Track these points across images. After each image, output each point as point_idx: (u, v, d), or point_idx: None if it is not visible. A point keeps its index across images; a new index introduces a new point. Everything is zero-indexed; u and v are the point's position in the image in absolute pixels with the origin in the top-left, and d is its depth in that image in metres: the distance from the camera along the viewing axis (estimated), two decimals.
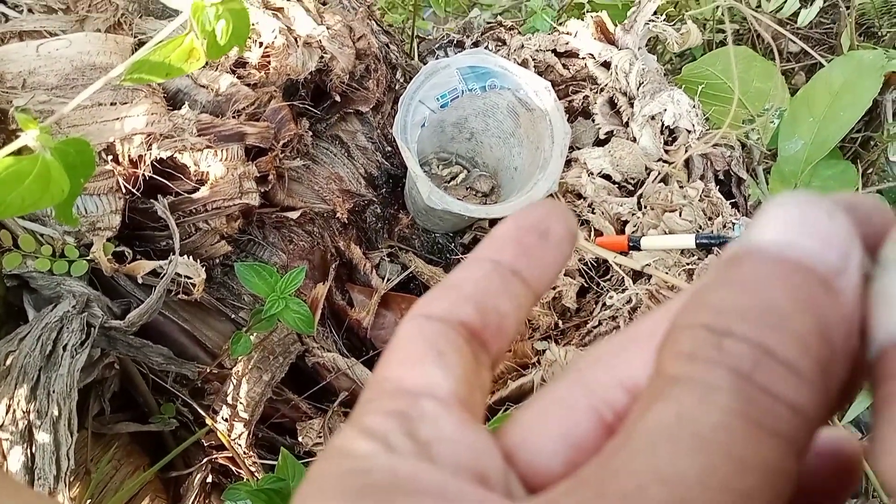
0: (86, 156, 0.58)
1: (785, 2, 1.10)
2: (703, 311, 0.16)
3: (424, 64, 1.01)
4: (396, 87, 0.96)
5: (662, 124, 0.80)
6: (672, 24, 0.94)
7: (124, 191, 0.71)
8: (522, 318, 0.21)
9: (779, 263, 0.16)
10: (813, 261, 0.16)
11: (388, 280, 0.87)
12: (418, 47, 1.03)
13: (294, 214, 0.83)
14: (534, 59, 0.91)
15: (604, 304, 0.73)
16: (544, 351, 0.73)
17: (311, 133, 0.88)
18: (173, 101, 0.77)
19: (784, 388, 0.15)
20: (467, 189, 0.91)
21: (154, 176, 0.71)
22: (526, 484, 0.18)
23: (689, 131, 0.79)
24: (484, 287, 0.20)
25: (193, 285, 0.68)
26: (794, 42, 1.23)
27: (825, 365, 0.15)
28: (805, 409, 0.15)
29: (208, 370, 0.77)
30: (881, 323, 0.16)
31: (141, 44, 0.80)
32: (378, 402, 0.18)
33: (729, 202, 0.78)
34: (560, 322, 0.78)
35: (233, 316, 0.82)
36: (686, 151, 0.77)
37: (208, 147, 0.73)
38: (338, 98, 0.88)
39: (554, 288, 0.77)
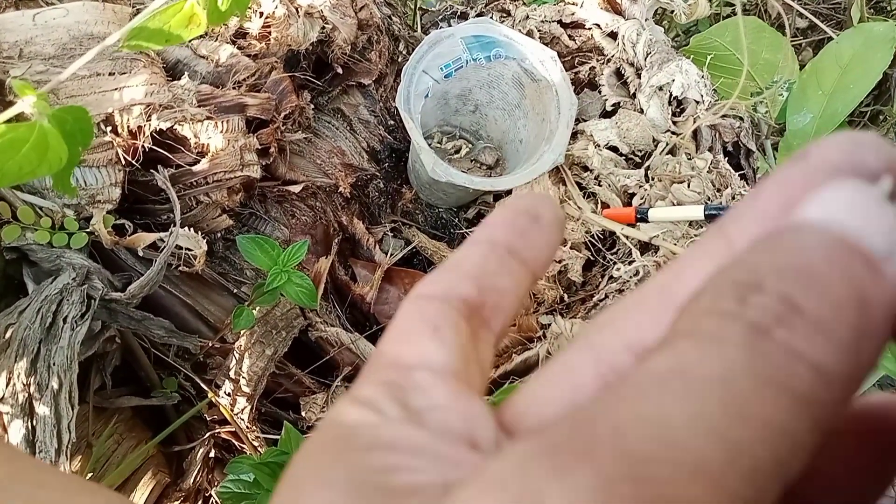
0: (84, 124, 0.56)
1: None
2: (735, 269, 0.15)
3: (427, 35, 1.00)
4: (399, 60, 0.94)
5: (670, 95, 0.78)
6: None
7: (124, 163, 0.70)
8: (521, 296, 0.21)
9: (825, 236, 0.15)
10: (860, 242, 0.15)
11: (392, 255, 0.86)
12: (421, 19, 1.02)
13: (296, 188, 0.82)
14: (539, 30, 0.89)
15: (610, 277, 0.72)
16: (549, 325, 0.73)
17: (312, 106, 0.86)
18: (173, 71, 0.76)
19: (808, 347, 0.13)
20: (472, 161, 0.90)
21: (154, 147, 0.70)
22: None
23: (697, 102, 0.77)
24: (482, 266, 0.20)
25: (194, 257, 0.67)
26: (804, 15, 1.21)
27: (859, 337, 0.14)
28: (831, 372, 0.13)
29: (210, 344, 0.76)
30: None
31: (139, 13, 0.78)
32: (373, 374, 0.18)
33: (738, 174, 0.77)
34: (566, 296, 0.77)
35: (235, 290, 0.81)
36: (694, 122, 0.75)
37: (208, 118, 0.71)
38: (340, 70, 0.87)
39: (559, 261, 0.76)
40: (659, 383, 0.14)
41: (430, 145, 0.95)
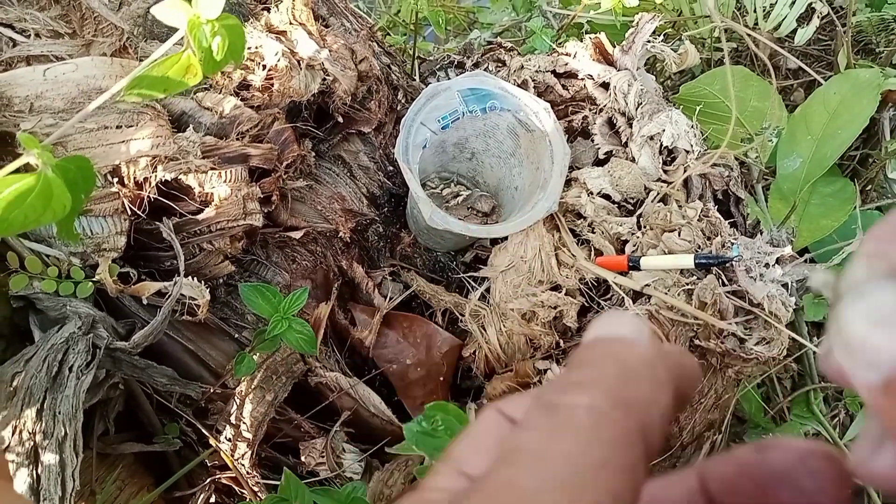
0: (86, 171, 0.59)
1: (782, 21, 1.12)
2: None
3: (426, 84, 1.02)
4: (398, 108, 0.97)
5: (661, 144, 0.81)
6: (670, 43, 0.95)
7: (129, 212, 0.72)
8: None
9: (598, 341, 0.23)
10: (621, 334, 0.23)
11: (391, 299, 0.87)
12: (419, 68, 1.05)
13: (297, 234, 0.84)
14: (533, 80, 0.92)
15: None
16: (546, 370, 0.74)
17: (313, 153, 0.89)
18: (178, 123, 0.78)
19: (582, 399, 0.20)
20: (468, 209, 0.92)
21: (159, 198, 0.72)
22: None
23: (687, 151, 0.80)
24: None
25: (198, 306, 0.68)
26: (793, 60, 1.24)
27: (621, 383, 0.21)
28: (601, 407, 0.20)
29: (212, 390, 0.77)
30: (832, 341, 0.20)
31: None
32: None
33: (728, 221, 0.79)
34: (561, 342, 0.79)
35: (236, 335, 0.82)
36: (684, 171, 0.77)
37: (212, 169, 0.73)
38: (340, 119, 0.89)
39: (555, 307, 0.78)
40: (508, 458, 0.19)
41: (428, 190, 0.97)
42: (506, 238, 0.82)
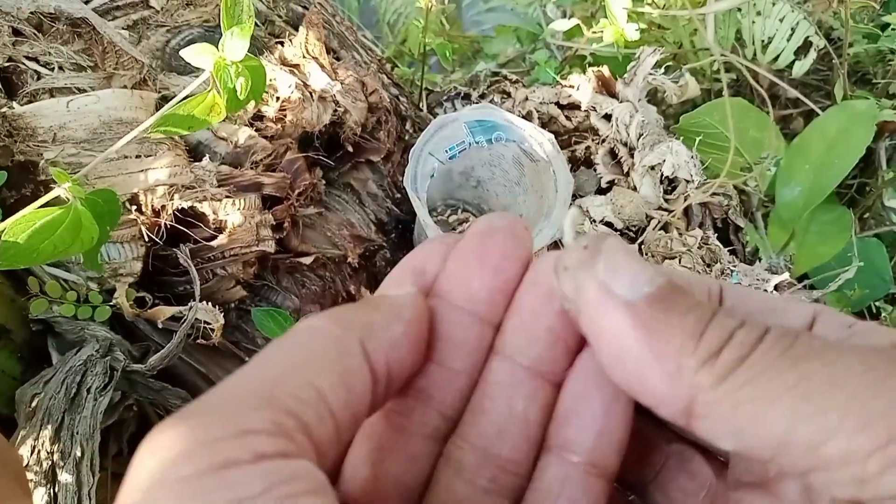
0: (113, 205, 0.61)
1: (780, 53, 1.15)
2: None
3: (433, 115, 1.06)
4: (406, 138, 1.00)
5: (662, 174, 0.83)
6: (671, 75, 0.98)
7: (146, 239, 0.75)
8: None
9: None
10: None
11: None
12: (427, 98, 1.08)
13: (307, 260, 0.86)
14: (538, 111, 0.95)
15: None
16: None
17: (324, 181, 0.91)
18: (194, 152, 0.81)
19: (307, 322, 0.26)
20: None
21: (175, 224, 0.75)
22: None
23: (687, 181, 0.82)
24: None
25: (212, 330, 0.70)
26: (791, 91, 1.27)
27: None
28: (317, 324, 0.25)
29: None
30: None
31: (164, 98, 0.84)
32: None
33: (727, 249, 0.81)
34: None
35: (246, 359, 0.84)
36: (685, 200, 0.80)
37: (227, 197, 0.76)
38: (350, 148, 0.92)
39: None
40: None
41: (434, 218, 0.99)
42: None
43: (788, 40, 1.13)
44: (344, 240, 0.92)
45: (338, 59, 0.99)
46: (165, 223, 0.74)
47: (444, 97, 1.03)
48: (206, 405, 0.22)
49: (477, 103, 1.00)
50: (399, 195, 0.99)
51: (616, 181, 0.87)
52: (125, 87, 0.81)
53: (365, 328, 0.24)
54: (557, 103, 0.94)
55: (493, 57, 1.45)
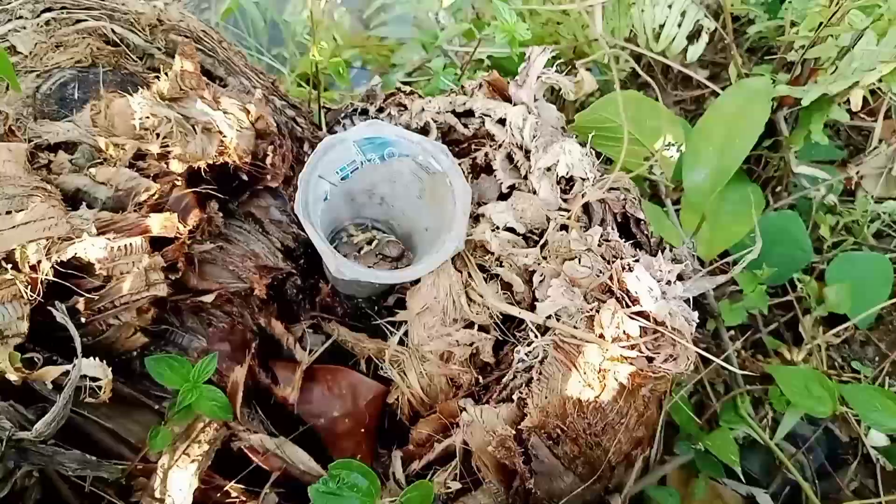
0: None
1: (673, 40, 1.16)
2: None
3: (332, 133, 1.04)
4: (304, 160, 0.97)
5: (558, 174, 0.83)
6: (565, 72, 0.98)
7: (27, 297, 0.71)
8: None
9: None
10: None
11: (312, 352, 0.87)
12: (326, 117, 1.05)
13: (209, 298, 0.83)
14: (435, 121, 0.94)
15: (520, 360, 0.75)
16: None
17: (221, 214, 0.89)
18: (73, 201, 0.77)
19: None
20: (377, 255, 0.92)
21: (56, 279, 0.71)
22: None
23: (583, 179, 0.82)
24: None
25: (100, 387, 0.67)
26: (692, 74, 1.29)
27: None
28: None
29: (133, 466, 0.75)
30: None
31: (37, 148, 0.80)
32: None
33: (630, 242, 0.81)
34: (480, 378, 0.79)
35: (157, 407, 0.81)
36: (582, 198, 0.79)
37: (109, 244, 0.73)
38: (245, 177, 0.90)
39: (470, 344, 0.79)
40: None
41: (343, 238, 0.97)
42: (418, 280, 0.82)
43: (679, 26, 1.14)
44: (248, 272, 0.89)
45: (224, 86, 0.96)
46: (45, 278, 0.70)
47: (342, 115, 1.01)
48: None
49: (374, 118, 0.98)
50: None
51: (516, 185, 0.87)
52: None
53: None
54: (453, 111, 0.94)
55: (401, 66, 1.43)
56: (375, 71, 1.71)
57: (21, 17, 0.87)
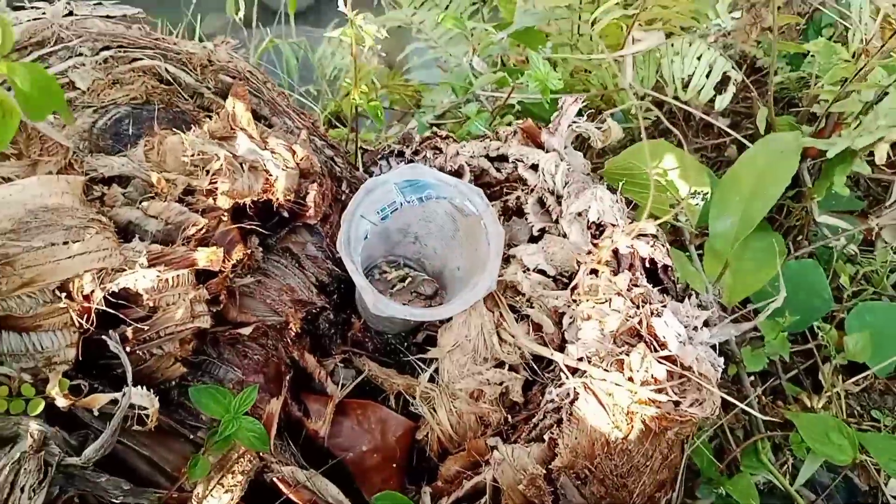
0: None
1: (701, 90, 1.19)
2: None
3: (368, 173, 1.07)
4: (342, 198, 1.01)
5: (589, 220, 0.85)
6: (594, 121, 1.01)
7: (78, 325, 0.74)
8: None
9: None
10: None
11: (343, 386, 0.89)
12: (363, 157, 1.09)
13: (247, 330, 0.86)
14: (469, 165, 0.97)
15: (549, 401, 0.77)
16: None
17: (261, 248, 0.92)
18: (125, 233, 0.81)
19: None
20: (412, 293, 0.95)
21: (106, 309, 0.74)
22: None
23: (613, 225, 0.84)
24: None
25: (147, 416, 0.70)
26: (715, 122, 1.32)
27: None
28: None
29: (169, 494, 0.77)
30: None
31: (92, 181, 0.84)
32: None
33: (658, 288, 0.83)
34: (509, 417, 0.81)
35: (191, 436, 0.83)
36: (612, 244, 0.82)
37: (159, 276, 0.76)
38: (286, 214, 0.93)
39: (500, 384, 0.80)
40: None
41: (375, 275, 1.00)
42: (451, 318, 0.85)
43: (707, 76, 1.18)
44: (284, 305, 0.92)
45: (269, 126, 1.00)
46: (96, 308, 0.73)
47: (379, 156, 1.05)
48: None
49: (411, 161, 1.01)
50: (339, 255, 0.99)
51: (547, 229, 0.89)
52: (50, 172, 0.81)
53: None
54: (487, 156, 0.97)
55: (431, 108, 1.48)
56: (401, 111, 1.76)
57: (81, 55, 0.91)
